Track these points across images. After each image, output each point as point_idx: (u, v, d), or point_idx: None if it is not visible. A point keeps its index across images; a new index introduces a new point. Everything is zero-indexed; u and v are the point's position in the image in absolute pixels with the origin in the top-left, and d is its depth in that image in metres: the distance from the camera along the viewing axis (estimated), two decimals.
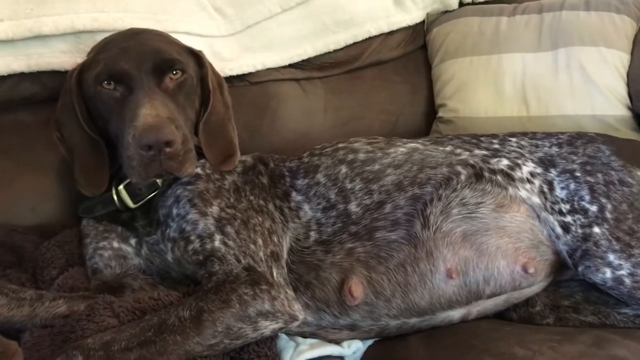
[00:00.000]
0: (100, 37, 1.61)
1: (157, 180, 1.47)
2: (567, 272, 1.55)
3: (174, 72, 1.45)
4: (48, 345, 1.20)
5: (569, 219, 1.49)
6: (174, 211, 1.44)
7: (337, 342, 1.46)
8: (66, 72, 1.61)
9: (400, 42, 2.23)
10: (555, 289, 1.56)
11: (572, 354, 1.25)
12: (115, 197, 1.49)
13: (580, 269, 1.45)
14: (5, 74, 1.68)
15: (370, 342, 1.51)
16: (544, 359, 1.24)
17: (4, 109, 1.75)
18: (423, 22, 2.28)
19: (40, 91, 1.75)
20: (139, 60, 1.41)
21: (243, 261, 1.35)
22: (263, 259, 1.40)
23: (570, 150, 1.61)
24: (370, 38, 2.15)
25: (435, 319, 1.48)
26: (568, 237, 1.48)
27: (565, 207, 1.51)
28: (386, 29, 2.17)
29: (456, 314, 1.49)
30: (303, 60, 2.08)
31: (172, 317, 1.21)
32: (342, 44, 2.10)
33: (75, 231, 1.58)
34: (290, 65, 2.08)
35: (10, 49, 1.66)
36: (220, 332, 1.22)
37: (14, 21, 1.64)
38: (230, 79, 1.94)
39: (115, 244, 1.49)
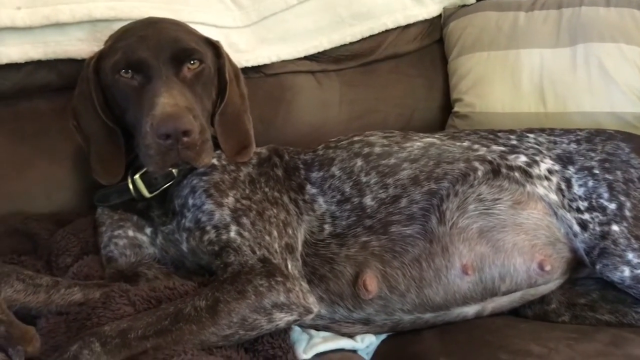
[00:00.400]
0: (117, 26, 1.61)
1: (173, 170, 1.47)
2: (583, 269, 1.54)
3: (192, 62, 1.45)
4: (64, 332, 1.21)
5: (586, 216, 1.48)
6: (190, 201, 1.44)
7: (351, 336, 1.46)
8: (83, 60, 1.61)
9: (417, 36, 2.21)
10: (571, 286, 1.55)
11: (588, 353, 1.24)
12: (131, 186, 1.49)
13: (598, 267, 1.44)
14: (23, 62, 1.68)
15: (383, 336, 1.50)
16: (560, 357, 1.23)
17: (20, 96, 1.75)
18: (440, 15, 2.26)
19: (56, 79, 1.75)
20: (157, 49, 1.40)
21: (258, 252, 1.35)
22: (278, 250, 1.40)
23: (589, 147, 1.59)
24: (386, 31, 2.13)
25: (449, 314, 1.47)
26: (586, 234, 1.47)
27: (583, 204, 1.49)
28: (403, 22, 2.15)
29: (471, 310, 1.48)
30: (319, 53, 2.07)
31: (189, 306, 1.21)
32: (358, 37, 2.09)
33: (90, 219, 1.59)
34: (306, 57, 2.06)
35: (28, 37, 1.67)
36: (236, 322, 1.22)
37: (32, 9, 1.64)
38: (246, 71, 1.93)
39: (131, 233, 1.50)
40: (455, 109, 2.14)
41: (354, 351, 1.43)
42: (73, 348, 1.07)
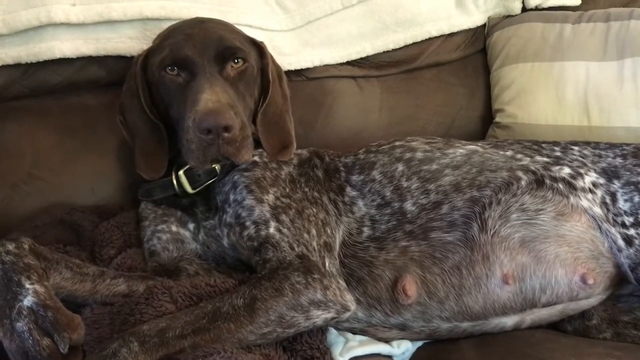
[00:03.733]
0: (166, 25, 1.65)
1: (216, 167, 1.49)
2: (627, 286, 1.50)
3: (236, 61, 1.47)
4: (107, 324, 1.23)
5: (632, 232, 1.45)
6: (231, 197, 1.45)
7: (387, 341, 1.45)
8: (132, 57, 1.65)
9: (460, 45, 2.20)
10: (614, 303, 1.52)
11: None
12: (174, 182, 1.51)
13: None
14: (74, 57, 1.73)
15: (419, 343, 1.49)
16: None
17: (70, 90, 1.81)
18: (484, 25, 2.24)
19: (105, 75, 1.80)
20: (203, 47, 1.44)
21: (297, 249, 1.36)
22: (316, 248, 1.40)
23: (635, 162, 1.56)
24: (429, 39, 2.13)
25: (487, 324, 1.45)
26: (631, 250, 1.44)
27: (628, 219, 1.46)
28: (447, 31, 2.14)
29: (509, 320, 1.46)
30: (361, 58, 2.08)
31: (226, 305, 1.21)
32: (401, 44, 2.09)
33: (133, 213, 1.62)
34: (348, 63, 2.08)
35: (81, 33, 1.72)
36: (273, 320, 1.23)
37: (86, 6, 1.70)
38: (288, 74, 1.95)
39: (174, 228, 1.52)
40: (497, 119, 2.12)
41: (390, 357, 1.42)
42: (113, 346, 1.09)
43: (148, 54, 1.53)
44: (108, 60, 1.77)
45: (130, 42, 1.75)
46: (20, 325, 1.06)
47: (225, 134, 1.32)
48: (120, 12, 1.72)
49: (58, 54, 1.70)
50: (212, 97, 1.35)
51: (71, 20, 1.68)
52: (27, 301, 1.09)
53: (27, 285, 1.12)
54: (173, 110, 1.47)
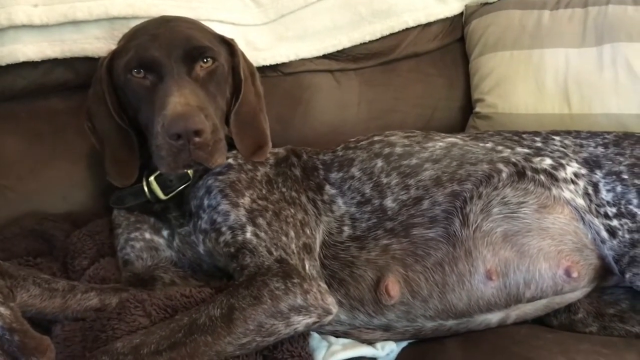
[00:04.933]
0: (134, 24, 1.58)
1: (188, 172, 1.45)
2: (612, 278, 1.49)
3: (205, 60, 1.42)
4: (79, 341, 1.19)
5: (615, 223, 1.43)
6: (205, 202, 1.41)
7: (371, 343, 1.43)
8: (99, 58, 1.59)
9: (438, 34, 2.17)
10: (599, 295, 1.50)
11: None
12: (146, 189, 1.47)
13: (627, 276, 1.39)
14: (39, 60, 1.67)
15: (404, 343, 1.46)
16: None
17: (37, 94, 1.74)
18: (461, 14, 2.21)
19: (73, 77, 1.74)
20: (169, 47, 1.38)
21: (275, 253, 1.33)
22: (295, 251, 1.37)
23: (617, 151, 1.54)
24: (407, 29, 2.09)
25: (472, 322, 1.43)
26: (614, 242, 1.42)
27: (611, 210, 1.45)
28: (424, 20, 2.11)
29: (494, 317, 1.44)
30: (337, 51, 2.03)
31: (203, 316, 1.17)
32: (378, 35, 2.05)
33: (106, 221, 1.57)
34: (325, 56, 2.03)
35: (45, 35, 1.66)
36: (252, 329, 1.19)
37: (49, 6, 1.64)
38: (263, 69, 1.91)
39: (147, 235, 1.47)
40: (477, 109, 2.09)
41: (374, 359, 1.40)
42: None
43: (113, 56, 1.46)
44: (75, 62, 1.71)
45: (97, 43, 1.69)
46: None
47: (196, 139, 1.27)
48: (85, 11, 1.65)
49: (22, 58, 1.64)
50: (181, 100, 1.29)
51: (34, 22, 1.61)
52: None
53: None
54: (142, 114, 1.41)
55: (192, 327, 1.15)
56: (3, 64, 1.64)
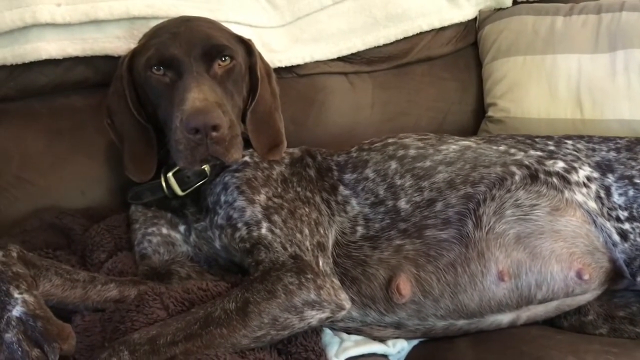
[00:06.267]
0: (154, 24, 1.62)
1: (205, 168, 1.47)
2: (622, 281, 1.49)
3: (223, 59, 1.45)
4: (99, 332, 1.21)
5: (627, 226, 1.44)
6: (222, 198, 1.44)
7: (382, 340, 1.44)
8: (119, 57, 1.62)
9: (451, 39, 2.19)
10: (609, 298, 1.51)
11: None
12: (163, 184, 1.49)
13: (639, 279, 1.40)
14: (61, 58, 1.70)
15: (415, 342, 1.48)
16: None
17: (57, 92, 1.78)
18: (475, 18, 2.23)
19: (93, 76, 1.77)
20: (189, 45, 1.41)
21: (290, 249, 1.35)
22: (309, 248, 1.39)
23: (629, 155, 1.55)
24: (420, 33, 2.11)
25: (483, 322, 1.44)
26: (626, 245, 1.43)
27: (623, 214, 1.46)
28: (438, 25, 2.13)
29: (505, 318, 1.45)
30: (352, 54, 2.06)
31: (218, 309, 1.19)
32: (392, 39, 2.07)
33: (123, 216, 1.60)
34: (339, 59, 2.05)
35: (67, 33, 1.69)
36: (267, 323, 1.21)
37: (71, 5, 1.67)
38: (278, 71, 1.93)
39: (164, 230, 1.50)
40: (489, 113, 2.11)
41: (386, 356, 1.41)
42: (103, 356, 1.07)
43: (134, 55, 1.50)
44: (95, 61, 1.74)
45: (117, 42, 1.72)
46: (9, 336, 1.04)
47: (214, 133, 1.30)
48: (106, 11, 1.69)
49: (44, 55, 1.67)
50: (200, 95, 1.32)
51: (57, 21, 1.64)
52: (16, 311, 1.07)
53: (16, 295, 1.10)
54: (160, 111, 1.45)
55: (207, 319, 1.17)
56: (26, 61, 1.67)
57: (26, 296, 1.09)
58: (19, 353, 1.02)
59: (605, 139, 1.63)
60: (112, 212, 1.65)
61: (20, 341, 1.03)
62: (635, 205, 1.45)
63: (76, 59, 1.72)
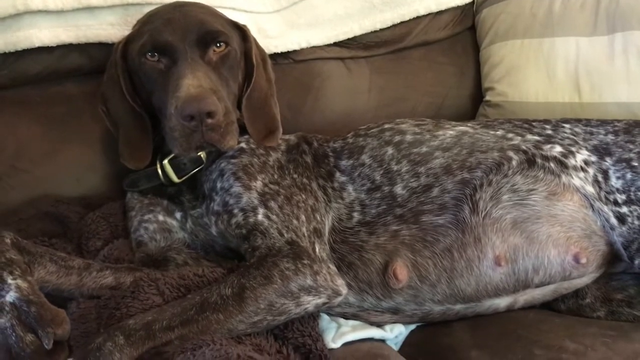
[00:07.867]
0: (148, 10, 1.60)
1: (201, 155, 1.47)
2: (620, 264, 1.49)
3: (218, 45, 1.44)
4: (94, 319, 1.21)
5: (624, 209, 1.44)
6: (218, 184, 1.43)
7: (380, 325, 1.45)
8: (113, 44, 1.60)
9: (448, 23, 2.18)
10: (607, 281, 1.51)
11: (627, 353, 1.20)
12: (159, 172, 1.49)
13: (636, 262, 1.40)
14: (54, 45, 1.69)
15: (412, 326, 1.49)
16: (597, 355, 1.20)
17: (51, 79, 1.76)
18: (472, 2, 2.21)
19: (87, 63, 1.76)
20: (183, 31, 1.40)
21: (286, 235, 1.34)
22: (306, 234, 1.38)
23: (627, 138, 1.54)
24: (417, 18, 2.10)
25: (480, 306, 1.44)
26: (624, 228, 1.43)
27: (621, 197, 1.45)
28: (435, 9, 2.11)
29: (502, 302, 1.45)
30: (348, 39, 2.04)
31: (214, 295, 1.19)
32: (389, 23, 2.05)
33: (119, 203, 1.59)
34: (336, 44, 2.04)
35: (60, 20, 1.67)
36: (263, 308, 1.21)
37: None
38: (275, 57, 1.92)
39: (161, 217, 1.49)
40: (487, 97, 2.09)
41: (383, 341, 1.42)
42: (98, 340, 1.07)
43: (127, 41, 1.49)
44: (89, 48, 1.73)
45: (111, 29, 1.71)
46: (2, 321, 1.05)
47: (209, 120, 1.29)
48: None
49: (37, 43, 1.65)
50: (194, 82, 1.31)
51: (49, 7, 1.63)
52: (10, 297, 1.07)
53: (10, 281, 1.10)
54: (155, 97, 1.44)
55: (203, 305, 1.17)
56: (19, 48, 1.65)
57: (20, 282, 1.10)
58: (13, 338, 1.03)
59: (603, 122, 1.62)
60: (108, 199, 1.64)
61: (14, 326, 1.04)
62: (633, 189, 1.45)
63: (70, 46, 1.71)
